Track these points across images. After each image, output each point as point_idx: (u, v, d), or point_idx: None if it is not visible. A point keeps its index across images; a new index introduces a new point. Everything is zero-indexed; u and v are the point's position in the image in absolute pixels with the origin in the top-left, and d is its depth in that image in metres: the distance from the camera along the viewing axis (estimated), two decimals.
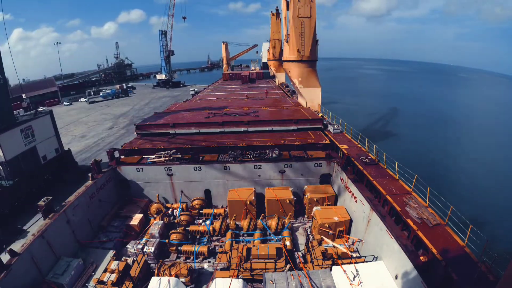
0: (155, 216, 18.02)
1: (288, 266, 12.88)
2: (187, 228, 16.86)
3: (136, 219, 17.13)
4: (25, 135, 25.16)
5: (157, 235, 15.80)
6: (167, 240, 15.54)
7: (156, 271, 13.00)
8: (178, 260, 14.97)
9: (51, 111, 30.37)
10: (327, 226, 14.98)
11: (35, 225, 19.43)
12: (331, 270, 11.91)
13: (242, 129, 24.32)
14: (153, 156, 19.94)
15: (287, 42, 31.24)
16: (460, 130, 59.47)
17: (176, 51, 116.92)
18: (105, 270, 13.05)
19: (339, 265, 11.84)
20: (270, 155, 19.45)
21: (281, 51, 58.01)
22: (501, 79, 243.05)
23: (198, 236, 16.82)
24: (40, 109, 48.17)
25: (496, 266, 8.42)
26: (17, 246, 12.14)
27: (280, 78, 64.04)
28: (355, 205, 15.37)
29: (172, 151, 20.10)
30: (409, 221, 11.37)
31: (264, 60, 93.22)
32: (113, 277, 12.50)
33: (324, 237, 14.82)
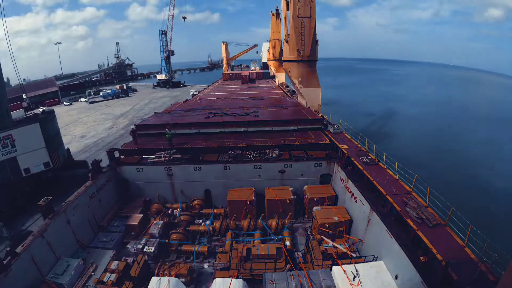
0: (155, 216, 18.02)
1: (288, 266, 12.89)
2: (187, 228, 16.87)
3: (136, 219, 17.13)
4: (2, 145, 22.63)
5: (157, 235, 15.80)
6: (167, 240, 15.55)
7: (156, 271, 13.02)
8: (178, 260, 14.98)
9: (48, 113, 27.76)
10: (327, 226, 14.98)
11: None
12: (331, 270, 11.90)
13: (242, 129, 24.31)
14: (153, 156, 19.94)
15: (287, 42, 31.22)
16: (460, 130, 59.43)
17: (177, 51, 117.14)
18: (105, 270, 13.06)
19: (339, 265, 11.83)
20: (270, 155, 19.46)
21: (281, 51, 57.95)
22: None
23: (198, 236, 16.82)
24: (40, 109, 47.81)
25: (496, 266, 8.41)
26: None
27: (280, 78, 64.03)
28: (355, 205, 15.37)
29: (172, 151, 20.10)
30: (409, 221, 11.36)
31: (264, 60, 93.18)
32: (113, 277, 12.51)
33: (324, 237, 14.82)
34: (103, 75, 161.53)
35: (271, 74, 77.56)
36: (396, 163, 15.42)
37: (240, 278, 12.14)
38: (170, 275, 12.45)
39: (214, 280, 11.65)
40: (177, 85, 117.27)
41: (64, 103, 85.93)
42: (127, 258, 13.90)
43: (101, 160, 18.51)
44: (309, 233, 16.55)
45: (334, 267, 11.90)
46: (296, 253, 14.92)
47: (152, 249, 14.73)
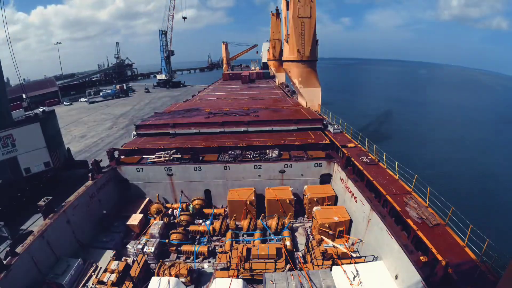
0: (155, 216, 18.01)
1: (288, 266, 12.88)
2: (187, 228, 16.87)
3: (136, 219, 17.12)
4: (3, 144, 22.60)
5: (157, 235, 15.79)
6: (167, 240, 15.54)
7: (156, 271, 13.01)
8: (178, 260, 14.97)
9: (49, 113, 28.03)
10: (327, 226, 14.97)
11: None
12: (331, 270, 11.90)
13: (242, 129, 24.32)
14: (153, 156, 19.94)
15: (287, 42, 31.24)
16: (460, 130, 59.42)
17: (177, 51, 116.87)
18: (105, 270, 13.04)
19: (339, 265, 11.83)
20: (270, 155, 19.45)
21: (281, 51, 57.91)
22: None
23: (198, 236, 16.82)
24: (41, 109, 47.68)
25: (496, 266, 8.41)
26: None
27: (280, 78, 63.97)
28: (355, 205, 15.37)
29: (172, 151, 20.10)
30: (409, 221, 11.36)
31: (264, 60, 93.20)
32: (113, 277, 12.49)
33: (324, 237, 14.81)
34: (103, 75, 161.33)
35: (271, 74, 77.53)
36: (396, 163, 15.42)
37: (240, 278, 12.15)
38: (170, 275, 12.44)
39: (214, 280, 11.66)
40: (177, 85, 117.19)
41: (64, 103, 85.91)
42: (127, 258, 13.90)
43: (101, 160, 18.51)
44: (309, 233, 16.56)
45: (334, 267, 11.92)
46: (296, 253, 14.92)
47: (152, 249, 14.72)
